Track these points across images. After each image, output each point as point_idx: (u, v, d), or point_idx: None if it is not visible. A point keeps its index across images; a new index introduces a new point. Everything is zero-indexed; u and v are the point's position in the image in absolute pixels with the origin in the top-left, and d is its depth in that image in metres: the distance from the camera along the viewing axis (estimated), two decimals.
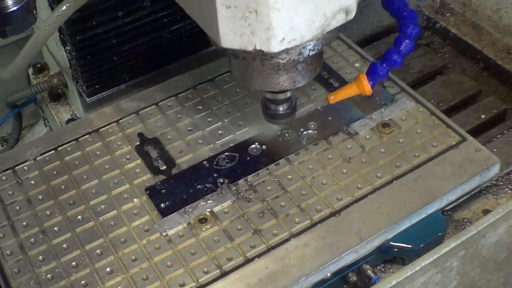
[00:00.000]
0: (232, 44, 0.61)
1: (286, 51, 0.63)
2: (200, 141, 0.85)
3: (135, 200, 0.77)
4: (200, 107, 0.88)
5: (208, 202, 0.76)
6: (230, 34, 0.60)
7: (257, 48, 0.61)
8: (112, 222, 0.75)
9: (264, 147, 0.83)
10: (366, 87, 0.76)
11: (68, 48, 0.83)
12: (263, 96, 0.76)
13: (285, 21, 0.59)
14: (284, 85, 0.69)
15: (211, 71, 0.92)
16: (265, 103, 0.77)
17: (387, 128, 0.83)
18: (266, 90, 0.72)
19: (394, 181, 0.77)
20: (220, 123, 0.86)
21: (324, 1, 0.60)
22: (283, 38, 0.60)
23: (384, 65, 0.75)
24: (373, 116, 0.85)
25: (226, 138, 0.84)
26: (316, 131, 0.84)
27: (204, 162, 0.81)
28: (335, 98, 0.78)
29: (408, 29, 0.72)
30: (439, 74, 1.04)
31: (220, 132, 0.85)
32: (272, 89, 0.70)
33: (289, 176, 0.79)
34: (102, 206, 0.77)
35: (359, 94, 0.77)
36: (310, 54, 0.65)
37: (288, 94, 0.74)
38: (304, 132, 0.84)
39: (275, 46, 0.60)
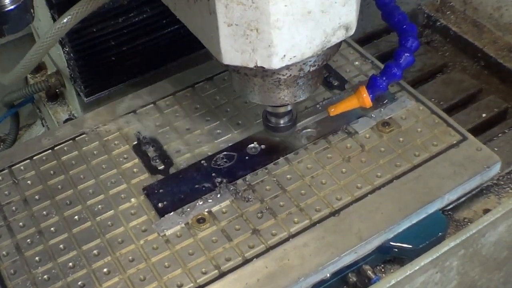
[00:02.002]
0: (234, 61, 0.62)
1: (287, 67, 0.64)
2: (198, 140, 0.84)
3: (133, 200, 0.77)
4: (198, 106, 0.88)
5: (206, 202, 0.76)
6: (232, 51, 0.62)
7: (258, 65, 0.62)
8: (109, 222, 0.75)
9: (262, 146, 0.83)
10: (366, 99, 0.78)
11: (66, 49, 0.84)
12: (264, 109, 0.78)
13: (286, 39, 0.60)
14: (284, 99, 0.70)
15: (209, 70, 0.91)
16: (266, 116, 0.79)
17: (387, 127, 0.83)
18: (267, 104, 0.73)
19: (394, 180, 0.77)
20: (218, 122, 0.86)
21: (324, 19, 0.61)
22: (284, 55, 0.61)
23: (384, 78, 0.77)
24: (373, 115, 0.84)
25: (225, 137, 0.84)
26: (315, 130, 0.84)
27: (202, 162, 0.81)
28: (335, 110, 0.80)
29: (408, 42, 0.73)
30: (439, 72, 1.04)
31: (218, 131, 0.85)
32: (273, 104, 0.72)
33: (288, 176, 0.79)
34: (99, 206, 0.76)
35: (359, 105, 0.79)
36: (311, 70, 0.66)
37: (289, 107, 0.76)
38: (303, 131, 0.84)
39: (276, 63, 0.62)
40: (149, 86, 0.91)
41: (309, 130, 0.84)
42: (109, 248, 0.72)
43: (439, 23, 1.08)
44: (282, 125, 0.78)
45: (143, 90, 0.90)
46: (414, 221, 0.74)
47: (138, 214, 0.76)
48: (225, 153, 0.82)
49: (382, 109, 0.85)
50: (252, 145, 0.83)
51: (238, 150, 0.82)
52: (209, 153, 0.82)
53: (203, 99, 0.89)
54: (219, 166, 0.80)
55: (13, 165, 0.81)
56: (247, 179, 0.78)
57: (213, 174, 0.79)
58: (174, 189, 0.78)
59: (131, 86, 0.91)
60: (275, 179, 0.78)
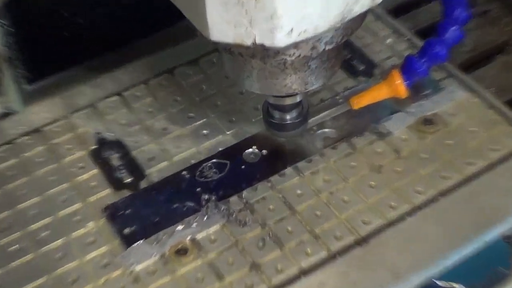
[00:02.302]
0: (224, 37, 0.62)
1: (295, 45, 0.64)
2: (178, 144, 0.85)
3: (90, 224, 0.77)
4: (179, 98, 0.89)
5: (189, 226, 0.76)
6: (222, 24, 0.61)
7: (257, 42, 0.61)
8: (58, 255, 0.74)
9: (264, 151, 0.83)
10: (400, 88, 0.79)
11: (2, 20, 0.83)
12: (265, 100, 0.79)
13: (294, 7, 0.59)
14: (292, 87, 0.71)
15: (193, 50, 0.93)
16: (268, 110, 0.79)
17: (430, 125, 0.83)
18: (269, 94, 0.74)
19: (440, 198, 0.77)
20: (205, 119, 0.87)
21: None
22: (292, 29, 0.61)
23: (424, 60, 0.77)
24: (411, 109, 0.85)
25: (213, 140, 0.85)
26: (335, 130, 0.84)
27: (183, 173, 0.81)
28: (359, 102, 0.81)
29: (455, 12, 0.74)
30: (499, 53, 1.05)
31: (205, 131, 0.86)
32: (277, 93, 0.72)
33: (298, 191, 0.79)
34: (45, 233, 0.76)
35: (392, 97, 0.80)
36: (327, 49, 0.66)
37: (298, 98, 0.76)
38: (319, 131, 0.84)
39: (281, 40, 0.61)
40: (113, 70, 0.92)
41: (326, 130, 0.85)
42: None
43: None
44: (289, 123, 0.79)
45: (105, 77, 0.91)
46: (467, 252, 0.73)
47: (97, 243, 0.75)
48: (214, 161, 0.82)
49: (423, 102, 0.86)
50: (250, 150, 0.83)
51: (231, 156, 0.82)
52: (193, 161, 0.83)
53: (185, 89, 0.90)
54: (206, 179, 0.81)
55: None
56: (243, 196, 0.79)
57: (198, 189, 0.79)
58: (146, 210, 0.78)
59: (89, 71, 0.91)
60: (281, 195, 0.79)
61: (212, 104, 0.88)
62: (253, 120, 0.86)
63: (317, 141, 0.84)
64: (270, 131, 0.81)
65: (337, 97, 0.88)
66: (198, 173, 0.81)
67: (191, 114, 0.88)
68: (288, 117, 0.79)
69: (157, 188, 0.80)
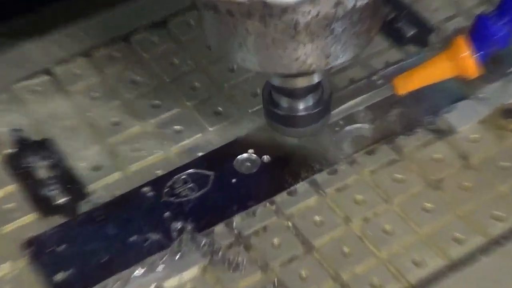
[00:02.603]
0: None
1: (312, 0, 0.64)
2: (136, 147, 0.83)
3: (5, 266, 0.75)
4: (138, 77, 0.88)
5: (152, 270, 0.74)
6: None
7: None
8: None
9: (265, 158, 0.81)
10: (468, 63, 0.78)
11: None
12: (267, 81, 0.79)
13: None
14: (306, 62, 0.70)
15: (158, 7, 0.93)
16: (271, 95, 0.79)
17: None
18: (273, 72, 0.73)
19: None
20: (177, 109, 0.85)
21: None
22: None
23: (504, 21, 0.76)
24: (484, 95, 0.85)
25: (190, 140, 0.83)
26: (371, 126, 0.83)
27: (144, 189, 0.79)
28: (406, 85, 0.80)
29: None
30: None
31: (177, 127, 0.84)
32: (284, 71, 0.71)
33: (316, 217, 0.76)
34: None
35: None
36: (358, 4, 0.66)
37: (316, 78, 0.74)
38: (348, 128, 0.83)
39: None
40: (38, 39, 0.92)
41: (358, 126, 0.83)
42: None
43: None
44: (303, 115, 0.78)
45: (27, 48, 0.91)
46: None
47: None
48: (191, 171, 0.80)
49: (501, 85, 0.85)
50: (245, 155, 0.81)
51: (217, 165, 0.81)
52: (159, 172, 0.81)
53: (147, 64, 0.89)
54: (178, 198, 0.78)
55: None
56: (234, 225, 0.76)
57: (167, 214, 0.77)
58: (88, 245, 0.76)
59: (4, 37, 0.91)
60: (290, 223, 0.76)
61: (188, 87, 0.87)
62: (249, 111, 0.85)
63: (344, 142, 0.82)
64: (274, 128, 0.80)
65: (375, 77, 0.87)
66: (166, 190, 0.79)
67: (157, 102, 0.86)
68: (301, 106, 0.77)
69: (105, 212, 0.78)
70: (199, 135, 0.83)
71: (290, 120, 0.79)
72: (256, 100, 0.84)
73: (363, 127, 0.83)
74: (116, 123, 0.85)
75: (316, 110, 0.78)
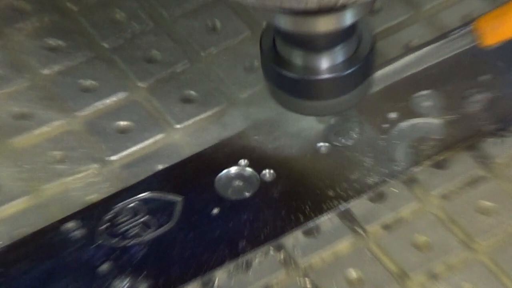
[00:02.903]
0: None
1: None
2: (57, 155, 0.71)
3: None
4: (60, 42, 0.76)
5: None
6: None
7: None
8: None
9: (268, 173, 0.67)
10: None
11: None
12: (266, 25, 0.68)
13: None
14: None
15: None
16: (274, 47, 0.66)
17: None
18: (278, 6, 0.61)
19: None
20: (122, 94, 0.73)
21: None
22: None
23: None
24: None
25: (144, 144, 0.69)
26: (441, 120, 0.71)
27: (69, 225, 0.66)
28: (495, 31, 0.70)
29: None
30: None
31: (123, 122, 0.72)
32: (297, 3, 0.59)
33: (352, 273, 0.64)
34: None
35: None
36: None
37: (348, 18, 0.61)
38: (403, 123, 0.70)
39: None
40: None
41: (419, 120, 0.70)
42: None
43: None
44: (327, 76, 0.64)
45: None
46: None
47: None
48: (145, 195, 0.66)
49: None
50: (235, 168, 0.66)
51: (187, 185, 0.68)
52: (92, 198, 0.69)
53: (75, 23, 0.77)
54: (124, 240, 0.64)
55: None
56: (216, 285, 0.65)
57: (104, 267, 0.64)
58: None
59: None
60: (308, 283, 0.64)
61: (141, 58, 0.74)
62: (241, 96, 0.70)
63: (398, 147, 0.67)
64: (279, 101, 0.66)
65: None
66: (104, 227, 0.66)
67: (89, 83, 0.73)
68: (324, 65, 0.63)
69: (8, 261, 0.66)
70: (159, 136, 0.69)
71: (306, 87, 0.65)
72: (251, 78, 0.70)
73: (429, 123, 0.68)
74: (23, 115, 0.70)
75: (348, 72, 0.64)
